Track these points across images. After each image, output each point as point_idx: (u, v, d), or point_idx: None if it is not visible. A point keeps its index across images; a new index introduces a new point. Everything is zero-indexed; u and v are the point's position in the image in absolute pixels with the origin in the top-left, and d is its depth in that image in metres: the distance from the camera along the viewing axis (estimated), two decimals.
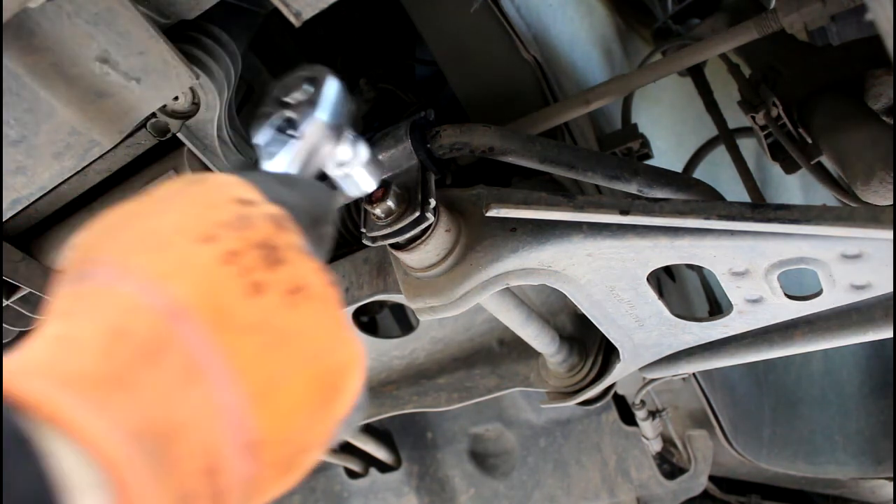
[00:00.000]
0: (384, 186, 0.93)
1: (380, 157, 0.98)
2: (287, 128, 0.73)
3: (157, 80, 0.83)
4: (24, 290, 1.16)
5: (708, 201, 0.98)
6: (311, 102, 0.72)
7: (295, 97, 0.74)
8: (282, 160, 0.71)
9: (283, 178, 0.63)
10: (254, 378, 0.41)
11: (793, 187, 2.29)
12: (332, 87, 0.73)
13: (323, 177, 0.78)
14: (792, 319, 1.01)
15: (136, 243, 0.44)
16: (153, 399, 0.38)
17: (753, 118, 1.27)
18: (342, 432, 0.49)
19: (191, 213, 0.46)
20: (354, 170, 0.80)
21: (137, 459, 0.35)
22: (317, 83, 0.74)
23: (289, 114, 0.73)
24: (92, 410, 0.35)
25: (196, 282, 0.42)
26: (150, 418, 0.37)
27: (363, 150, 0.81)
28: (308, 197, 0.59)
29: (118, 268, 0.43)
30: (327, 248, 0.61)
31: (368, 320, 1.94)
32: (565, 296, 1.04)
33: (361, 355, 0.49)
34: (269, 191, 0.53)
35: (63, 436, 0.33)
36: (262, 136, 0.74)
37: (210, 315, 0.41)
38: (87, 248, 0.46)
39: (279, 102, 0.75)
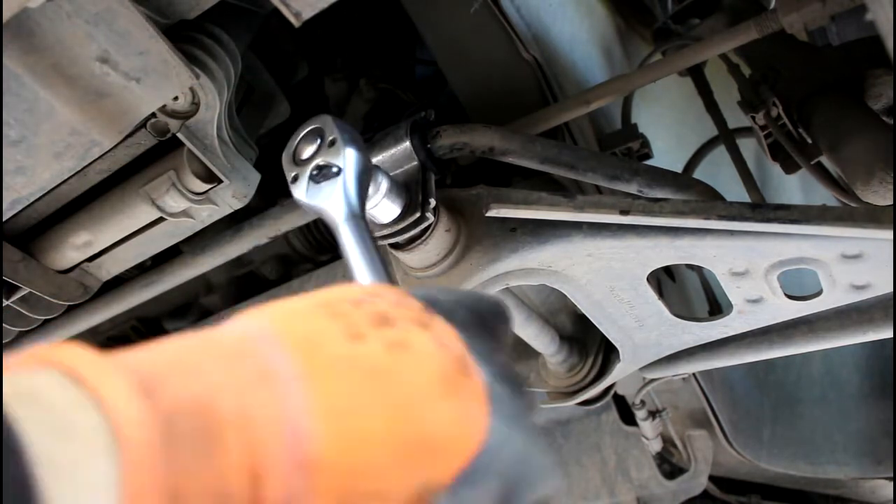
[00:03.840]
0: None
1: (380, 156, 0.98)
2: (322, 174, 0.76)
3: (157, 80, 0.83)
4: (24, 290, 1.16)
5: (708, 201, 0.98)
6: (332, 143, 0.76)
7: (309, 150, 0.79)
8: (337, 195, 0.74)
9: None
10: (330, 397, 0.38)
11: (793, 187, 2.29)
12: (342, 127, 0.77)
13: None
14: (792, 319, 1.01)
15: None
16: (212, 385, 0.36)
17: (753, 118, 1.27)
18: None
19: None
20: (379, 203, 0.85)
21: (154, 428, 0.33)
22: (323, 130, 0.78)
23: (317, 162, 0.78)
24: (120, 376, 0.34)
25: (293, 320, 0.42)
26: (201, 398, 0.35)
27: (384, 182, 0.85)
28: (466, 296, 0.55)
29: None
30: (503, 344, 0.55)
31: None
32: (565, 296, 1.03)
33: (476, 439, 0.42)
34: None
35: (86, 396, 0.33)
36: (301, 194, 0.78)
37: (297, 342, 0.40)
38: None
39: (297, 162, 0.79)
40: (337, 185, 0.75)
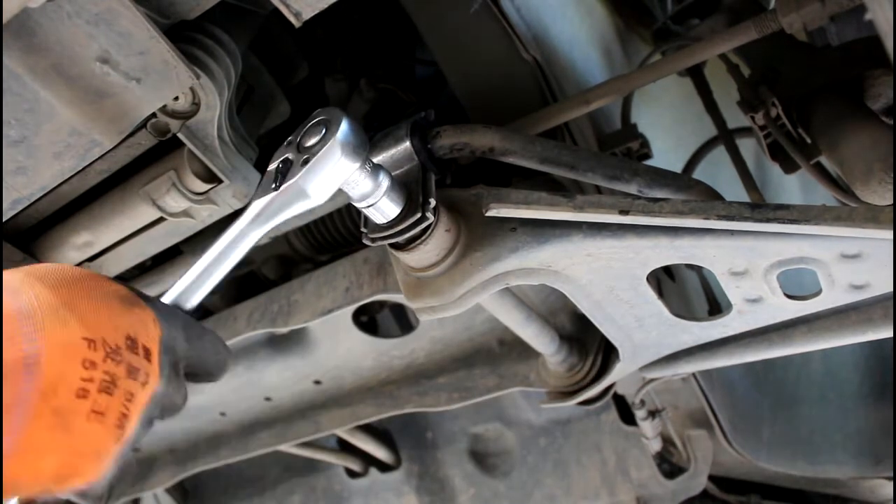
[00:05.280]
0: None
1: (380, 157, 0.98)
2: (279, 172, 0.80)
3: (158, 80, 0.84)
4: None
5: (707, 201, 0.98)
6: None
7: (310, 140, 0.80)
8: (259, 204, 0.78)
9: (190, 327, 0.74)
10: (33, 439, 0.58)
11: (792, 187, 2.30)
12: (336, 141, 0.78)
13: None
14: (791, 319, 1.02)
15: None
16: None
17: (753, 118, 1.27)
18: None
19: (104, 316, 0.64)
20: (379, 201, 0.85)
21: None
22: (327, 130, 0.78)
23: (290, 156, 0.80)
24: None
25: (63, 351, 0.60)
26: None
27: (384, 181, 0.86)
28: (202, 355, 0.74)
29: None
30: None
31: (368, 320, 1.94)
32: (565, 296, 1.04)
33: (88, 481, 0.63)
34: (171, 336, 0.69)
35: None
36: (269, 168, 0.82)
37: (48, 381, 0.58)
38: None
39: (298, 141, 0.82)
40: (266, 199, 0.77)
